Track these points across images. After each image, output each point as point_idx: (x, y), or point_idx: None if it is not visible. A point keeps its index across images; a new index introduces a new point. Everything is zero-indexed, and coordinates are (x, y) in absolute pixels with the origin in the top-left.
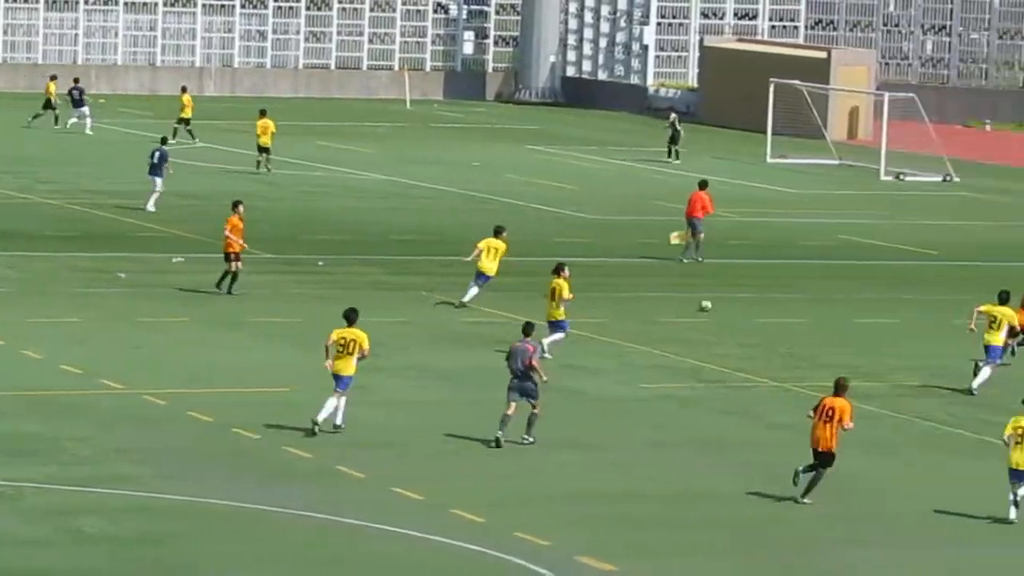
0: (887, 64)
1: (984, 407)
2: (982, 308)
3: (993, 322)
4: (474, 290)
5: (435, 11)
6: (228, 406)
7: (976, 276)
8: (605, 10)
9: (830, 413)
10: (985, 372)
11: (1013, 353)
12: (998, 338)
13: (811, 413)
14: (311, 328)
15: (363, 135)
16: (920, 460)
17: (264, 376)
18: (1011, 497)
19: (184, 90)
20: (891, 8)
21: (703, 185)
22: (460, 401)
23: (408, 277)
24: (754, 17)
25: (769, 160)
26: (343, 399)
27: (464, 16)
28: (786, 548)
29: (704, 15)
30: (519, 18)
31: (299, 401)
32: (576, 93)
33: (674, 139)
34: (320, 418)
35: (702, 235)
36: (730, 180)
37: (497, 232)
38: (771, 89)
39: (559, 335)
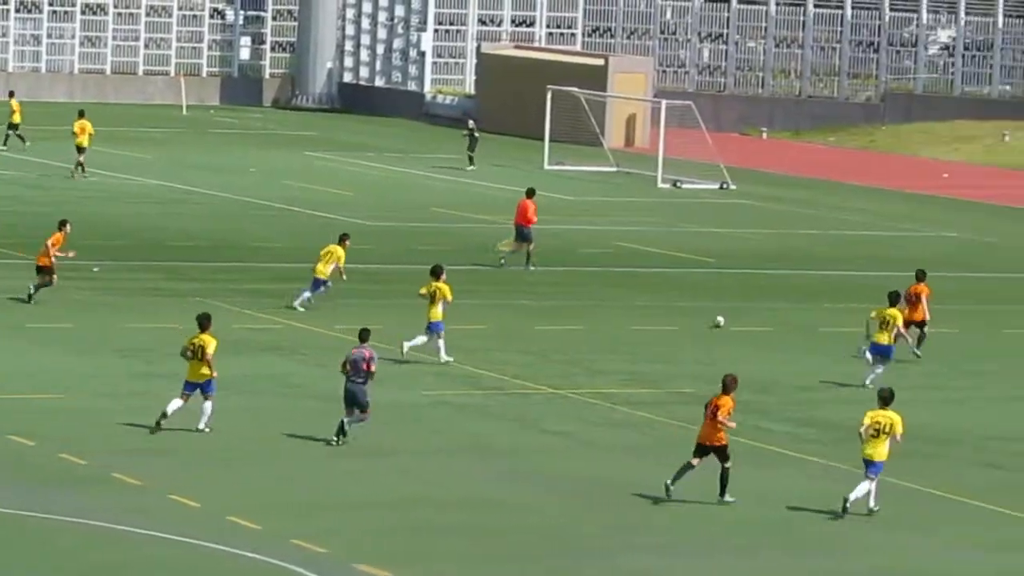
0: (664, 72)
1: (758, 414)
2: (873, 313)
3: (884, 323)
4: (306, 294)
5: (212, 16)
6: (3, 413)
7: (752, 283)
8: (382, 16)
9: (714, 410)
10: (878, 370)
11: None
12: (889, 338)
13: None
14: (86, 334)
15: (139, 140)
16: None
17: (40, 382)
18: (859, 491)
19: (12, 95)
20: (668, 16)
21: (530, 193)
22: (237, 407)
23: (185, 283)
24: (531, 24)
25: (547, 167)
26: (208, 403)
27: (241, 22)
28: (560, 555)
29: (481, 22)
30: (296, 24)
31: (75, 407)
32: (353, 99)
33: (471, 146)
34: (170, 409)
35: (532, 244)
36: (508, 187)
37: (341, 239)
38: (548, 96)
39: (432, 336)
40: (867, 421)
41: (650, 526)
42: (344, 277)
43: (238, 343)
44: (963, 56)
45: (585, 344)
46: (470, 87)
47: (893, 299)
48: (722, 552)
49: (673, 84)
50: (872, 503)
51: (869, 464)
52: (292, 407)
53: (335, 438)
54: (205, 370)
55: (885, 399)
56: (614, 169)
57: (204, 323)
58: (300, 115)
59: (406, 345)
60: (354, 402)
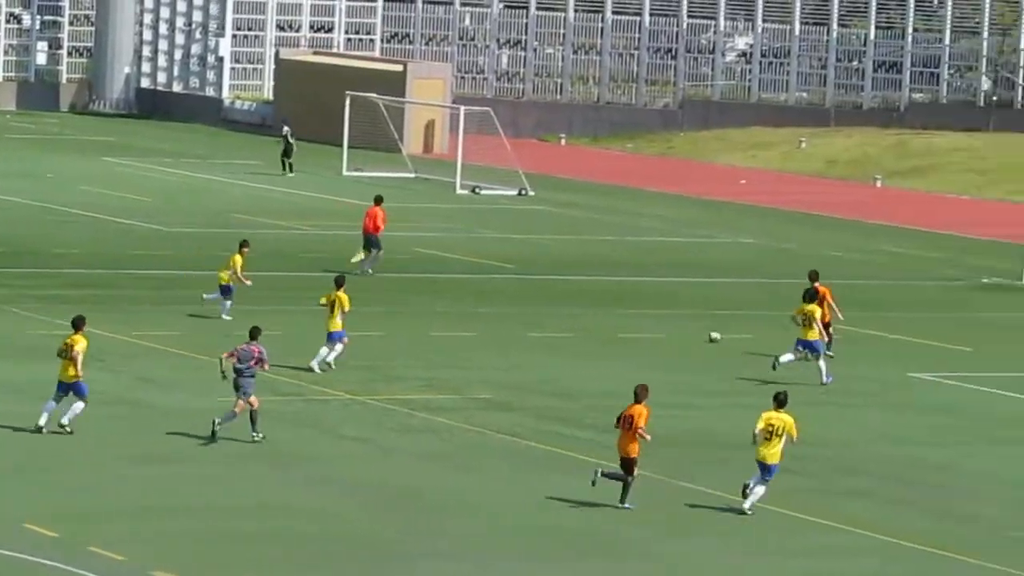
0: (463, 78)
1: (559, 420)
2: (795, 312)
3: (806, 320)
4: (228, 303)
5: (8, 21)
6: None
7: (551, 289)
8: (180, 21)
9: (629, 421)
10: (821, 365)
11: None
12: (815, 333)
13: (616, 424)
14: None
15: None
16: (495, 473)
17: None
18: (755, 495)
19: None
20: (467, 22)
21: (378, 200)
22: (32, 413)
23: None
24: (330, 30)
25: (345, 173)
26: (78, 404)
27: (37, 27)
28: (359, 561)
29: (280, 27)
30: (93, 28)
31: None
32: (152, 104)
33: (287, 152)
34: (42, 422)
35: (380, 251)
36: (307, 193)
37: (241, 247)
38: (347, 102)
39: (339, 347)
40: (761, 424)
41: (449, 532)
42: (248, 283)
43: (34, 349)
44: (760, 63)
45: (384, 350)
46: (269, 93)
47: (809, 296)
48: (525, 558)
49: (472, 90)
50: (747, 505)
51: (763, 467)
52: (88, 413)
53: (255, 434)
54: (74, 370)
55: (780, 401)
56: (413, 175)
57: (77, 323)
58: (98, 120)
59: (315, 364)
60: (240, 390)
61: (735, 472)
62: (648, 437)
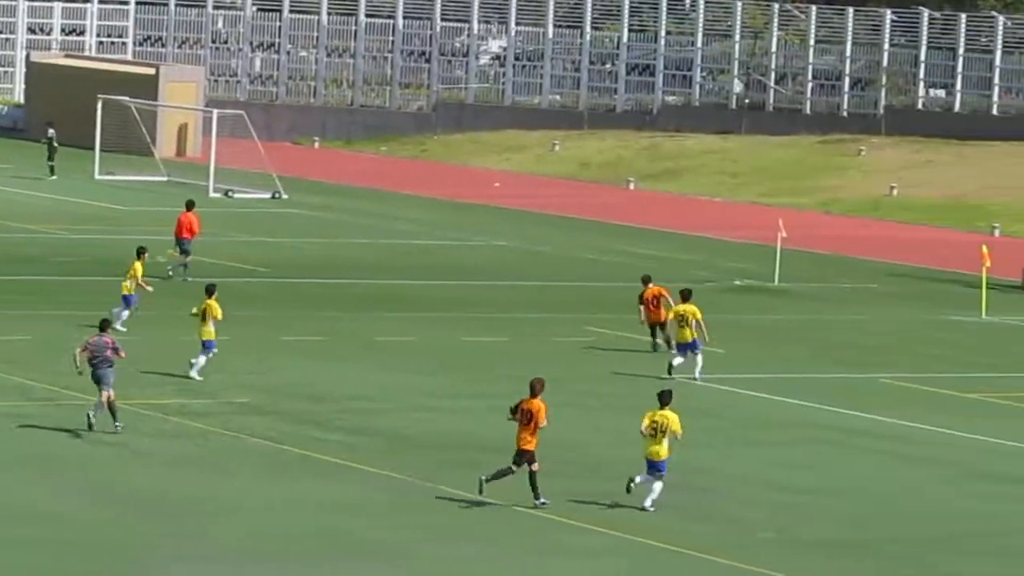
0: (216, 81)
1: (313, 424)
2: (671, 313)
3: (682, 320)
4: (124, 314)
5: None
6: None
7: (305, 292)
8: None
9: (528, 416)
10: (698, 360)
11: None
12: (691, 333)
13: (510, 415)
14: None
15: None
16: (249, 477)
17: None
18: (654, 493)
19: None
20: (220, 25)
21: (190, 206)
22: None
23: None
24: (82, 33)
25: (98, 177)
26: None
27: None
28: (113, 566)
29: (31, 30)
30: None
31: None
32: None
33: (51, 155)
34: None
35: (189, 257)
36: (59, 197)
37: (139, 254)
38: (99, 105)
39: (210, 354)
40: (646, 421)
41: (203, 536)
42: (150, 289)
43: None
44: (514, 66)
45: (138, 355)
46: (19, 96)
47: (685, 295)
48: (279, 562)
49: (225, 93)
50: (648, 504)
51: (651, 463)
52: None
53: (117, 424)
54: None
55: (663, 400)
56: (165, 179)
57: None
58: None
59: (193, 372)
60: (102, 382)
61: (472, 473)
62: (545, 423)
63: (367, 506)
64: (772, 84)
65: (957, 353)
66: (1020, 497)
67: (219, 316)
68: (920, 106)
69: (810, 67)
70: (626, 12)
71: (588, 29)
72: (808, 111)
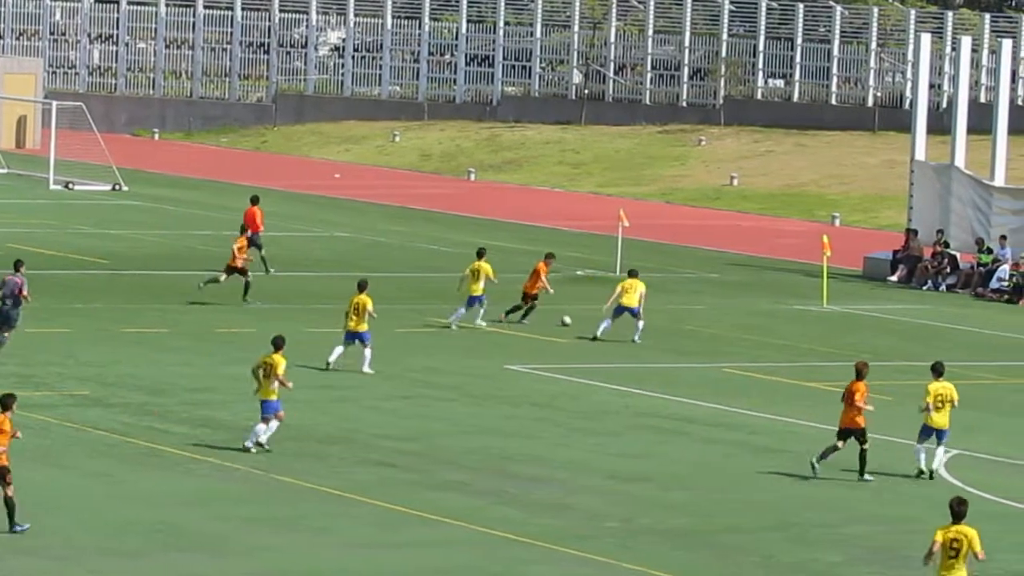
0: (55, 72)
1: (152, 416)
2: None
3: (476, 274)
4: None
5: None
6: None
7: (145, 284)
8: None
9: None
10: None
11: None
12: (479, 289)
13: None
14: None
15: None
16: (91, 469)
17: None
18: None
19: None
20: (58, 17)
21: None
22: None
23: None
24: None
25: None
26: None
27: None
28: None
29: None
30: None
31: None
32: None
33: None
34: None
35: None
36: None
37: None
38: None
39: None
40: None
41: (42, 530)
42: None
43: None
44: (353, 57)
45: None
46: None
47: (480, 254)
48: (111, 555)
49: (64, 85)
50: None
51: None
52: None
53: None
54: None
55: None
56: (5, 171)
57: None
58: None
59: None
60: (6, 322)
61: (333, 466)
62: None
63: (207, 498)
64: (611, 74)
65: (798, 342)
66: (860, 485)
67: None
68: (759, 96)
69: (649, 57)
70: (464, 3)
71: (427, 20)
72: (648, 101)
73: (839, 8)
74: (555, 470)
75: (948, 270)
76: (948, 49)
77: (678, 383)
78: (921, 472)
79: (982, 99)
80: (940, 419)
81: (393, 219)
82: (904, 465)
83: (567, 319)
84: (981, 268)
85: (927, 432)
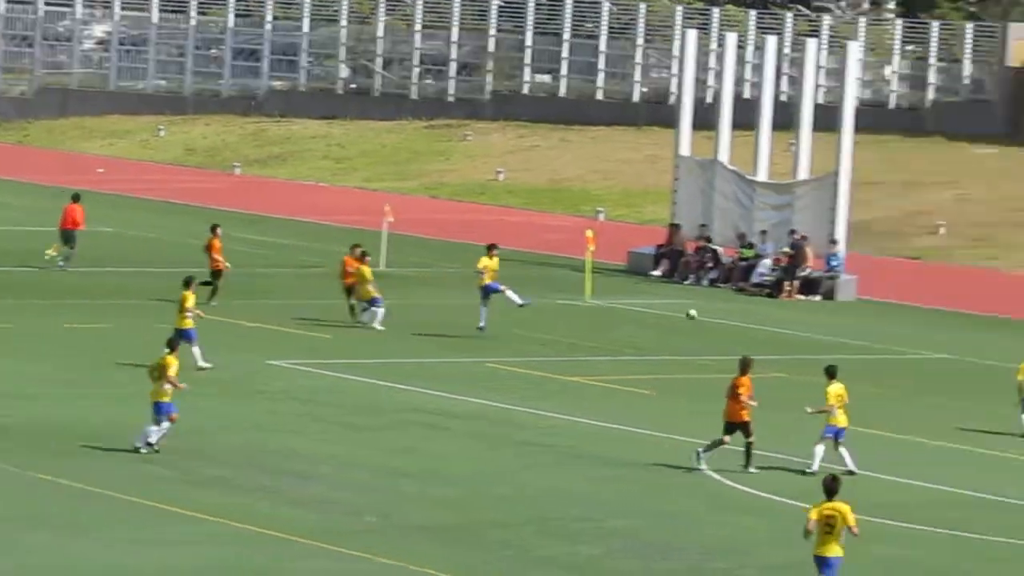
0: None
1: None
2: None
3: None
4: None
5: None
6: None
7: None
8: None
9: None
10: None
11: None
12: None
13: None
14: None
15: None
16: None
17: None
18: None
19: None
20: None
21: (76, 198)
22: None
23: None
24: None
25: None
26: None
27: None
28: None
29: None
30: None
31: None
32: None
33: None
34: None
35: (74, 248)
36: None
37: None
38: None
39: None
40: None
41: None
42: None
43: None
44: (118, 51)
45: None
46: None
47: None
48: None
49: None
50: None
51: None
52: None
53: None
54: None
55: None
56: None
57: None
58: None
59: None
60: None
61: (93, 463)
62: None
63: None
64: (378, 69)
65: (561, 337)
66: (620, 479)
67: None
68: (526, 91)
69: (416, 52)
70: None
71: (194, 14)
72: (415, 96)
73: (607, 4)
74: (317, 466)
75: (711, 265)
76: (714, 45)
77: (442, 378)
78: (814, 472)
79: (747, 95)
80: (841, 418)
81: (157, 214)
82: (678, 458)
83: (693, 312)
84: (743, 262)
85: (830, 431)
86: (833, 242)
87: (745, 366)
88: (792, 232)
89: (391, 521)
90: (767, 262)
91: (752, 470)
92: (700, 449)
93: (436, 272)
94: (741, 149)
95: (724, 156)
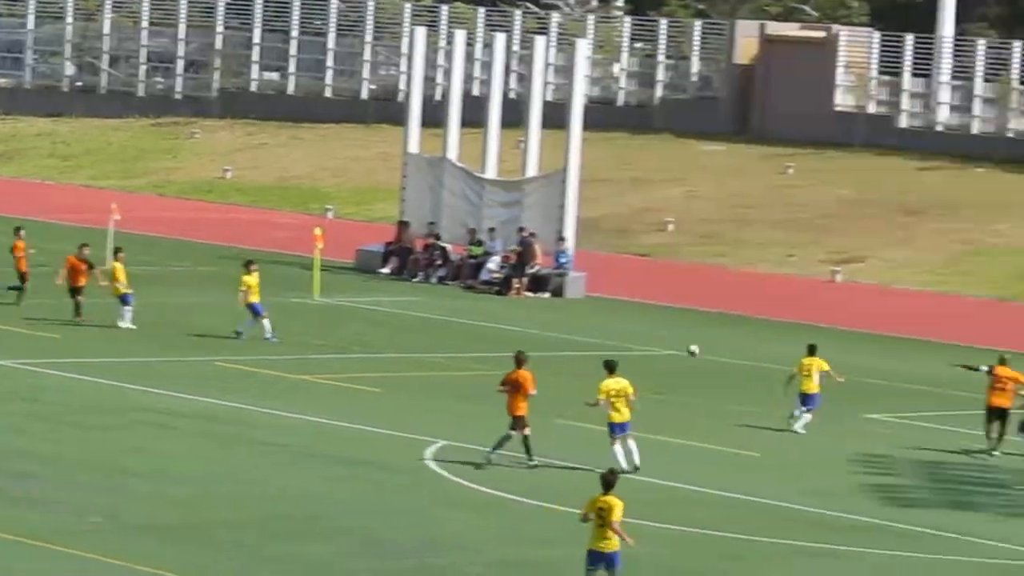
0: None
1: None
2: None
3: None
4: None
5: None
6: None
7: None
8: None
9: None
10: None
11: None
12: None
13: None
14: None
15: None
16: None
17: None
18: None
19: None
20: None
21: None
22: None
23: None
24: None
25: None
26: None
27: None
28: None
29: None
30: None
31: None
32: None
33: None
34: None
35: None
36: None
37: None
38: None
39: None
40: None
41: None
42: None
43: None
44: None
45: None
46: None
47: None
48: None
49: None
50: None
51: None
52: None
53: None
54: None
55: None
56: None
57: None
58: None
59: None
60: None
61: None
62: None
63: None
64: (105, 67)
65: (291, 335)
66: (351, 477)
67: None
68: (254, 89)
69: (143, 50)
70: None
71: None
72: (141, 94)
73: (335, 1)
74: (42, 465)
75: (440, 262)
76: (443, 43)
77: (172, 377)
78: (625, 471)
79: (476, 92)
80: (621, 415)
81: None
82: (408, 456)
83: (695, 348)
84: (472, 260)
85: (615, 429)
86: (562, 239)
87: (520, 361)
88: (521, 229)
89: (119, 521)
90: (496, 259)
91: (534, 461)
92: (489, 449)
93: (162, 271)
94: (470, 146)
95: (453, 153)
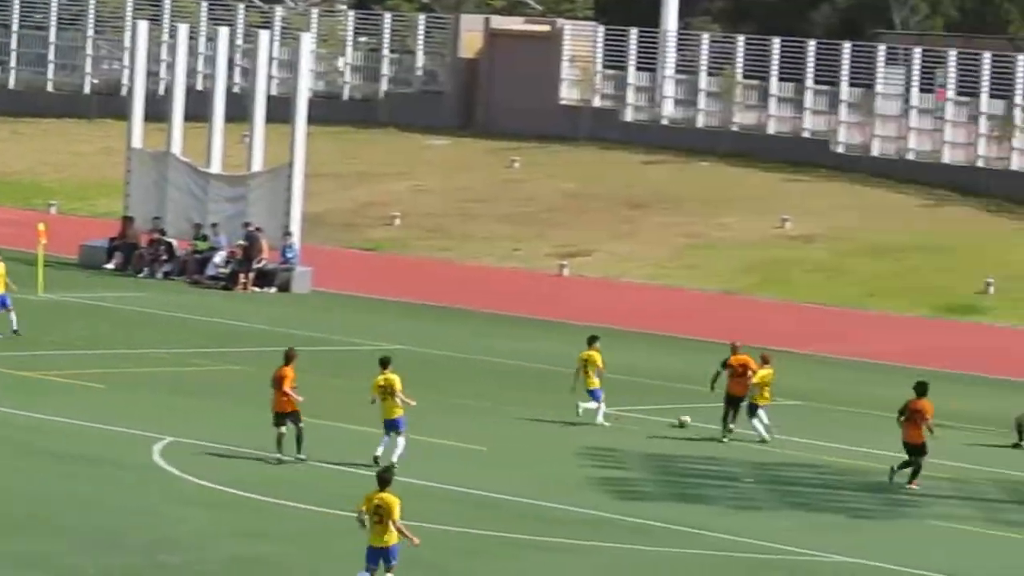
0: None
1: None
2: None
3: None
4: None
5: None
6: None
7: None
8: None
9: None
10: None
11: None
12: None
13: None
14: None
15: None
16: None
17: None
18: None
19: None
20: None
21: None
22: None
23: None
24: None
25: None
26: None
27: None
28: None
29: None
30: None
31: None
32: None
33: None
34: None
35: None
36: None
37: None
38: None
39: None
40: None
41: None
42: None
43: None
44: None
45: None
46: None
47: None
48: None
49: None
50: None
51: None
52: None
53: None
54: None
55: None
56: None
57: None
58: None
59: None
60: None
61: None
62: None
63: None
64: None
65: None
66: (74, 474)
67: None
68: None
69: None
70: None
71: None
72: None
73: None
74: None
75: (165, 257)
76: (166, 36)
77: None
78: (377, 460)
79: (200, 87)
80: (389, 411)
81: None
82: (132, 453)
83: (686, 419)
84: (197, 255)
85: (387, 426)
86: (288, 234)
87: (289, 358)
88: (247, 224)
89: None
90: (222, 254)
91: (302, 456)
92: (277, 454)
93: None
94: (194, 141)
95: (177, 148)
